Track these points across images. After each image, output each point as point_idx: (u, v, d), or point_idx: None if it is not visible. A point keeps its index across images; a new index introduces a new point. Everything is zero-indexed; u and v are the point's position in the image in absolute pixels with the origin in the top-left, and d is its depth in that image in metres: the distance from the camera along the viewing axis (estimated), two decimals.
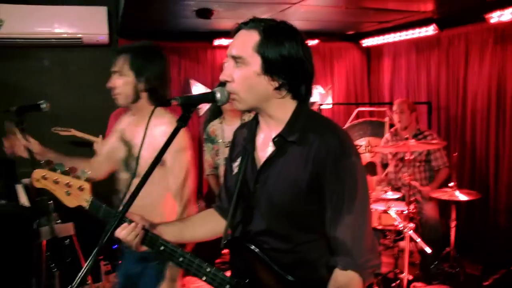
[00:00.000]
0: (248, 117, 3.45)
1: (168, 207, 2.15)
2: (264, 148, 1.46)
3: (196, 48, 5.38)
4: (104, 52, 5.03)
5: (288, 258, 1.42)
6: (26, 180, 4.50)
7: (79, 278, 1.21)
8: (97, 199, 1.67)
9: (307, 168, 1.34)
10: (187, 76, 5.35)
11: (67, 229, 3.57)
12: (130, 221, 1.51)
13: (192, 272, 1.47)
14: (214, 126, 3.57)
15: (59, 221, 3.60)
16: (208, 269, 1.46)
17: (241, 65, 1.36)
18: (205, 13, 3.85)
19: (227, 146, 3.47)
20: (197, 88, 5.34)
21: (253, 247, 1.44)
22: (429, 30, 4.84)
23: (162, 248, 1.49)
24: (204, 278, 1.46)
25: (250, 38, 1.35)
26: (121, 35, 4.96)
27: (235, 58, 1.37)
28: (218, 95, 1.40)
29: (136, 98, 2.17)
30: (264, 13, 4.15)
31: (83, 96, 4.90)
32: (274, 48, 1.33)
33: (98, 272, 3.87)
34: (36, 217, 3.50)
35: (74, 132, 4.11)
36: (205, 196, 5.14)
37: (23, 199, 3.70)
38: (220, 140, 3.51)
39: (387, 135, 4.57)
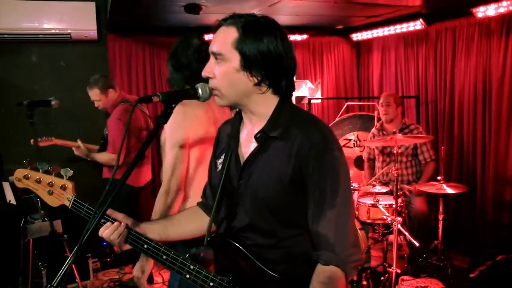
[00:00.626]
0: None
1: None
2: (248, 144, 1.47)
3: None
4: (93, 48, 5.02)
5: (272, 253, 1.43)
6: (13, 177, 4.50)
7: (58, 277, 1.22)
8: (79, 198, 1.66)
9: (290, 162, 1.34)
10: None
11: (55, 226, 3.55)
12: (114, 220, 1.51)
13: (176, 269, 1.48)
14: None
15: (46, 219, 3.59)
16: (192, 267, 1.47)
17: (221, 62, 1.37)
18: (193, 8, 3.84)
19: None
20: None
21: (236, 243, 1.45)
22: (417, 25, 4.88)
23: (145, 246, 1.50)
24: (187, 276, 1.47)
25: (229, 35, 1.35)
26: (110, 30, 4.95)
27: (215, 55, 1.38)
28: (200, 91, 1.41)
29: None
30: (253, 8, 4.14)
31: (73, 92, 4.88)
32: (252, 44, 1.33)
33: (87, 270, 3.88)
34: (24, 215, 3.49)
35: (55, 141, 4.10)
36: None
37: (10, 197, 3.68)
38: None
39: (373, 130, 4.58)
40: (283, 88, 1.41)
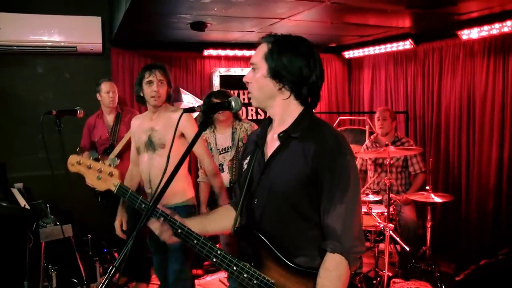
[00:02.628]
0: (239, 125, 3.66)
1: None
2: (272, 144, 1.70)
3: (186, 58, 5.60)
4: (97, 60, 5.19)
5: (286, 245, 1.63)
6: (18, 185, 4.64)
7: (118, 259, 1.40)
8: (124, 185, 1.95)
9: (307, 162, 1.57)
10: (177, 84, 5.54)
11: (65, 230, 3.70)
12: (163, 213, 1.74)
13: (204, 253, 1.69)
14: (207, 134, 3.73)
15: (58, 223, 3.73)
16: (219, 252, 1.68)
17: (255, 70, 1.66)
18: (199, 26, 4.06)
19: (220, 154, 3.67)
20: (187, 96, 5.54)
21: (258, 233, 1.66)
22: (406, 44, 5.16)
23: (179, 230, 1.72)
24: (214, 260, 1.68)
25: (262, 49, 1.65)
26: (114, 44, 5.14)
27: (252, 65, 1.68)
28: (233, 104, 1.66)
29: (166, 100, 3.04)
30: (254, 27, 4.39)
31: (76, 103, 5.02)
32: (277, 57, 1.61)
33: (94, 273, 4.02)
34: (37, 219, 3.63)
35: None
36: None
37: (22, 202, 3.82)
38: (213, 148, 3.69)
39: (367, 142, 4.82)
40: (304, 95, 1.65)
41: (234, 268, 1.66)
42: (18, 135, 4.89)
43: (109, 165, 1.95)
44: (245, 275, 1.64)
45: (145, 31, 4.62)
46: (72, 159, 2.02)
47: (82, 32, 4.78)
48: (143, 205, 1.91)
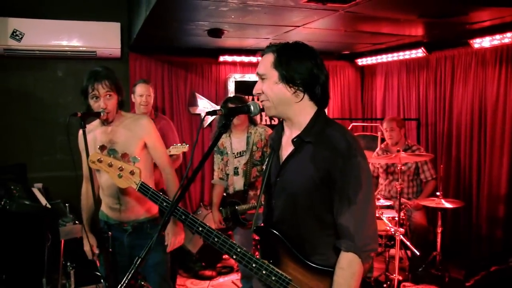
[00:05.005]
0: (253, 130, 3.76)
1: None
2: (287, 148, 1.79)
3: (202, 64, 5.71)
4: (116, 65, 5.31)
5: (302, 244, 1.72)
6: (38, 185, 4.78)
7: (144, 251, 1.49)
8: (145, 183, 1.99)
9: (320, 165, 1.65)
10: (193, 89, 5.67)
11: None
12: (184, 211, 1.83)
13: (224, 250, 1.76)
14: (223, 139, 3.80)
15: (77, 222, 3.84)
16: (239, 250, 1.75)
17: (265, 80, 1.73)
18: (216, 32, 4.16)
19: (236, 157, 3.77)
20: (202, 101, 5.66)
21: (276, 232, 1.75)
22: (419, 52, 5.21)
23: (200, 229, 1.79)
24: (234, 257, 1.75)
25: (268, 59, 1.72)
26: (132, 49, 5.27)
27: (260, 76, 1.75)
28: (252, 108, 1.75)
29: (117, 110, 2.70)
30: (269, 34, 4.49)
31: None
32: (286, 62, 1.68)
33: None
34: (57, 217, 3.74)
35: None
36: (208, 203, 5.46)
37: (43, 201, 3.94)
38: (229, 152, 3.79)
39: (377, 150, 4.88)
40: (318, 94, 1.72)
41: (253, 265, 1.73)
42: (38, 136, 5.02)
43: (131, 164, 1.99)
44: (263, 272, 1.72)
45: (163, 37, 4.74)
46: (94, 156, 2.07)
47: (102, 38, 4.90)
48: (164, 204, 1.97)
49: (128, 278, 1.42)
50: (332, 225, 1.68)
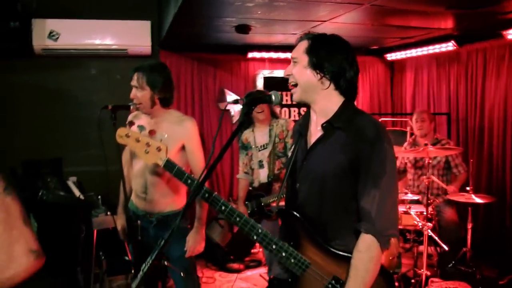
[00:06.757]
0: (276, 123, 3.81)
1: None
2: (316, 134, 1.83)
3: (230, 60, 5.79)
4: (147, 62, 5.45)
5: (324, 229, 1.74)
6: (72, 178, 4.96)
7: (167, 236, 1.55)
8: (171, 160, 2.03)
9: (348, 151, 1.69)
10: (221, 86, 5.75)
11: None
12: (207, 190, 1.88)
13: (245, 231, 1.80)
14: (247, 134, 3.91)
15: (108, 213, 3.97)
16: (260, 231, 1.79)
17: (296, 63, 1.79)
18: (244, 28, 4.22)
19: (259, 150, 3.83)
20: (231, 97, 5.74)
21: (298, 215, 1.79)
22: (449, 46, 5.11)
23: (223, 208, 1.84)
24: (255, 237, 1.79)
25: (302, 45, 1.79)
26: (162, 46, 5.39)
27: (293, 59, 1.81)
28: (273, 97, 1.79)
29: (153, 105, 2.69)
30: (296, 29, 4.51)
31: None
32: (317, 50, 1.74)
33: (143, 258, 4.18)
34: (90, 208, 3.89)
35: None
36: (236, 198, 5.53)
37: (77, 193, 4.10)
38: (253, 146, 3.86)
39: (405, 144, 4.84)
40: (343, 85, 1.76)
41: (274, 246, 1.77)
42: (73, 132, 5.21)
43: (158, 140, 2.02)
44: (283, 254, 1.76)
45: (192, 34, 4.82)
46: (121, 131, 2.09)
47: (133, 36, 5.05)
48: (189, 181, 2.00)
49: (152, 258, 1.48)
50: (355, 212, 1.71)
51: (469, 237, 4.19)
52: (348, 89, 1.78)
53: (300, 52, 1.77)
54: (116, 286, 4.16)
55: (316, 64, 1.73)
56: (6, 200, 1.11)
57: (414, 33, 4.96)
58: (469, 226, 4.18)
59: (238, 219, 1.80)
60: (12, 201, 1.12)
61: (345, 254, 1.71)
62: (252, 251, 5.19)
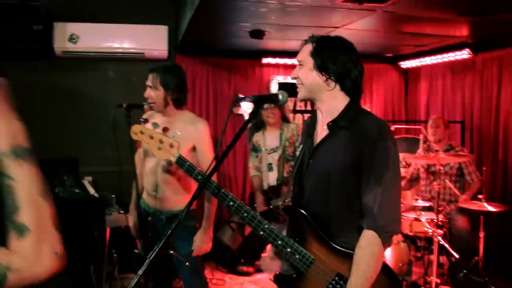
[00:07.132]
0: (286, 126, 3.86)
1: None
2: (322, 133, 1.88)
3: (245, 65, 5.85)
4: None
5: (328, 225, 1.78)
6: (88, 178, 5.06)
7: (173, 227, 1.59)
8: (182, 157, 2.09)
9: (352, 149, 1.73)
10: (236, 91, 5.81)
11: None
12: (216, 185, 1.93)
13: (252, 226, 1.84)
14: (257, 137, 3.99)
15: (121, 211, 4.05)
16: (266, 226, 1.83)
17: (302, 66, 1.85)
18: (258, 34, 4.29)
19: (269, 153, 3.89)
20: (245, 102, 5.78)
21: (304, 212, 1.82)
22: (464, 54, 5.08)
23: (231, 203, 1.88)
24: (261, 233, 1.83)
25: (307, 48, 1.84)
26: (178, 51, 5.48)
27: (299, 62, 1.87)
28: (280, 96, 1.83)
29: (166, 104, 2.76)
30: (309, 35, 4.55)
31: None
32: (322, 52, 1.79)
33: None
34: (104, 206, 3.97)
35: None
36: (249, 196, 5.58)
37: (92, 192, 4.19)
38: (263, 149, 3.92)
39: (419, 150, 4.83)
40: (348, 86, 1.81)
41: (279, 242, 1.81)
42: (89, 133, 5.31)
43: (171, 137, 2.08)
44: (288, 249, 1.80)
45: (207, 39, 4.91)
46: (136, 128, 2.17)
47: (150, 40, 5.15)
48: (199, 177, 2.07)
49: (159, 247, 1.53)
50: (359, 210, 1.74)
51: (481, 246, 4.15)
52: (353, 89, 1.82)
53: (306, 55, 1.83)
54: (127, 284, 4.22)
55: (321, 66, 1.78)
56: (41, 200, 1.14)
57: (428, 41, 4.95)
58: (481, 234, 4.14)
59: (245, 214, 1.85)
60: (45, 202, 1.15)
61: (349, 251, 1.74)
62: (262, 255, 5.20)
